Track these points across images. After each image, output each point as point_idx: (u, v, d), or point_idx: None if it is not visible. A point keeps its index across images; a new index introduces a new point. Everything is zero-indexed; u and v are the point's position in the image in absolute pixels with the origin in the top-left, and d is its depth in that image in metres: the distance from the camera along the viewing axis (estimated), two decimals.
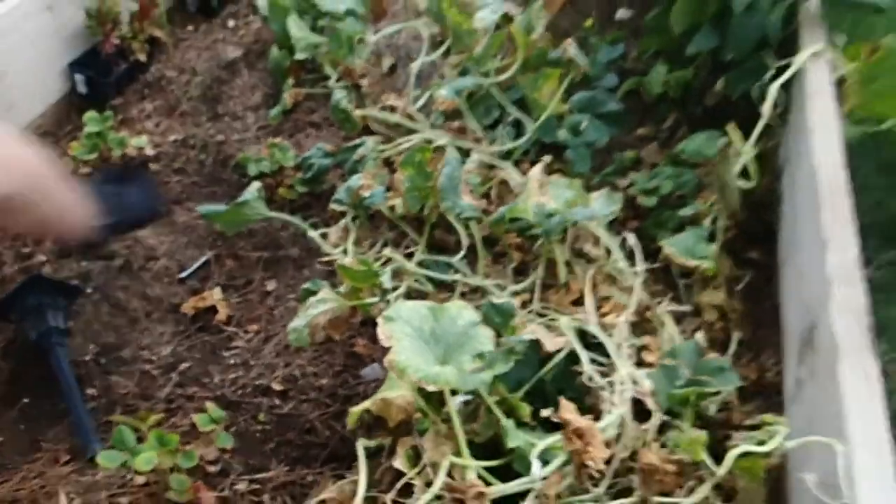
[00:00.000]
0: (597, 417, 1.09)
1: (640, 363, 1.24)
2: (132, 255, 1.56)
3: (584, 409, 1.10)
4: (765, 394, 1.31)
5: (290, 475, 1.24)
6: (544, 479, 1.00)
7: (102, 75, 1.99)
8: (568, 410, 1.02)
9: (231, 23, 2.37)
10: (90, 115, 1.77)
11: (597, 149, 1.78)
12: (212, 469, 1.25)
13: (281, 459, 1.28)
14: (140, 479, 1.20)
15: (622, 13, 2.32)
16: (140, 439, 1.19)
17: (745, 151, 1.41)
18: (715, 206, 1.47)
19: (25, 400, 1.37)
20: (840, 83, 1.55)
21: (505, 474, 1.07)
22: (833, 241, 1.14)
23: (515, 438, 1.08)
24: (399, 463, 1.05)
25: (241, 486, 1.22)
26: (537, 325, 1.24)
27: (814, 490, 0.89)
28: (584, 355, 1.19)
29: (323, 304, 1.31)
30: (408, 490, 1.02)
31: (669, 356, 1.19)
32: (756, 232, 1.56)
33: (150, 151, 1.84)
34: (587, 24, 2.16)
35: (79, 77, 1.97)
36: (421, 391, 1.09)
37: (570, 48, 1.73)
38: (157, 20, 2.10)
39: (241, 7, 2.43)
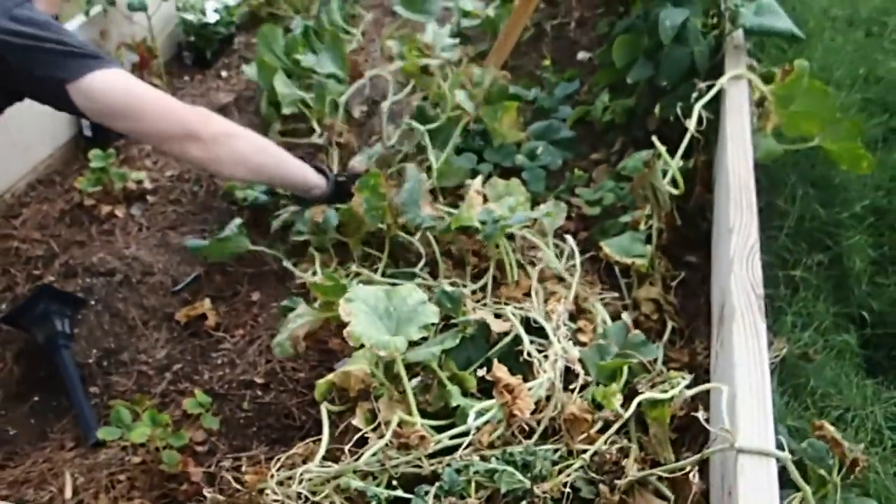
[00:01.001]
0: None
1: (576, 343, 1.39)
2: (131, 271, 1.74)
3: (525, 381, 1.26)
4: (696, 374, 1.46)
5: (269, 453, 1.39)
6: (478, 429, 1.15)
7: None
8: (500, 370, 1.17)
9: (224, 73, 2.59)
10: (95, 152, 1.97)
11: (552, 171, 1.97)
12: (200, 449, 1.40)
13: (262, 441, 1.43)
14: (136, 459, 1.35)
15: (582, 55, 2.55)
16: (136, 418, 1.35)
17: (671, 162, 1.58)
18: (650, 212, 1.65)
19: (35, 398, 1.53)
20: (760, 103, 1.75)
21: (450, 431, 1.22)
22: (737, 228, 1.32)
23: (458, 399, 1.23)
24: (357, 421, 1.20)
25: (226, 463, 1.37)
26: (486, 311, 1.41)
27: (702, 422, 1.04)
28: (525, 336, 1.34)
29: (300, 318, 1.47)
30: (363, 444, 1.17)
31: (601, 337, 1.35)
32: (694, 238, 1.73)
33: (148, 185, 2.03)
34: (545, 64, 2.37)
35: (84, 122, 2.17)
36: (377, 364, 1.26)
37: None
38: (156, 70, 2.32)
39: (234, 59, 2.67)
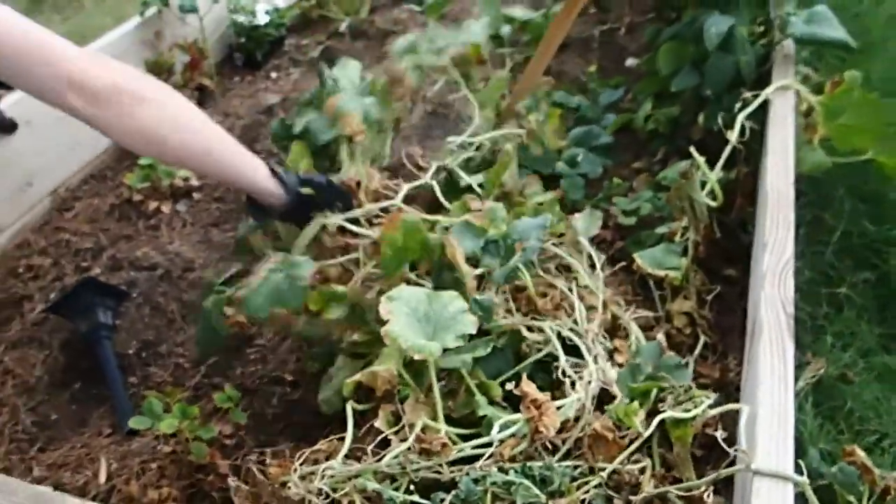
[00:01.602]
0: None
1: (612, 363, 1.38)
2: (172, 266, 1.79)
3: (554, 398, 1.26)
4: (726, 391, 1.43)
5: (294, 449, 1.40)
6: (501, 441, 1.15)
7: None
8: (528, 385, 1.17)
9: (273, 74, 2.65)
10: None
11: (593, 179, 1.96)
12: (228, 442, 1.43)
13: (288, 437, 1.45)
14: (167, 448, 1.39)
15: (630, 62, 2.52)
16: (167, 410, 1.39)
17: (709, 174, 1.55)
18: (687, 223, 1.62)
19: (76, 385, 1.59)
20: (808, 114, 1.71)
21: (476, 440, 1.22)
22: (771, 244, 1.29)
23: (485, 409, 1.23)
24: (379, 423, 1.21)
25: (252, 457, 1.39)
26: (519, 321, 1.40)
27: (720, 441, 1.02)
28: (561, 353, 1.33)
29: (342, 373, 1.43)
30: (387, 444, 1.18)
31: (635, 356, 1.33)
32: (733, 251, 1.70)
33: (194, 182, 2.09)
34: (591, 70, 2.35)
35: None
36: (405, 365, 1.26)
37: None
38: (206, 71, 2.38)
39: (284, 61, 2.72)
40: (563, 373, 1.32)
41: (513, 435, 1.17)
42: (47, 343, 1.67)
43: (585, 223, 1.64)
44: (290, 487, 1.15)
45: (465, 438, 1.22)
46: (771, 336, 1.12)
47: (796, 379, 1.45)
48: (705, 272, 1.64)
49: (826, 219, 1.80)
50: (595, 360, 1.28)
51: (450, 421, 1.25)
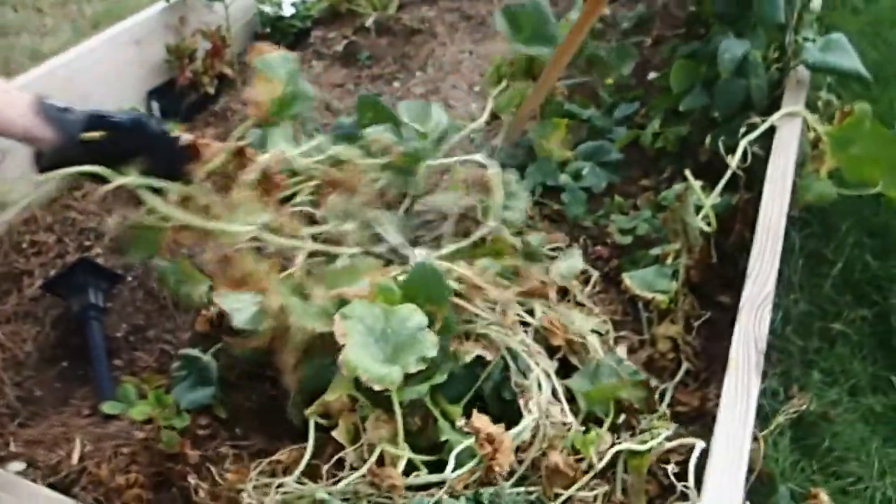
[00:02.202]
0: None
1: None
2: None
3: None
4: (703, 420, 1.41)
5: (267, 446, 1.42)
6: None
7: (175, 104, 2.30)
8: (479, 419, 1.16)
9: None
10: None
11: (596, 194, 1.94)
12: (202, 433, 1.44)
13: (262, 433, 1.46)
14: (140, 435, 1.42)
15: (653, 76, 2.49)
16: (143, 396, 1.41)
17: (703, 198, 1.53)
18: (680, 246, 1.60)
19: (64, 363, 1.62)
20: (816, 144, 1.67)
21: (437, 463, 1.21)
22: (754, 275, 1.26)
23: (447, 433, 1.22)
24: (338, 434, 1.20)
25: (223, 450, 1.41)
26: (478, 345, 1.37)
27: (671, 476, 1.01)
28: (511, 365, 1.31)
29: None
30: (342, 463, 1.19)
31: (592, 366, 1.31)
32: (729, 278, 1.67)
33: None
34: (608, 82, 2.33)
35: (154, 104, 2.28)
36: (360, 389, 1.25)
37: None
38: (228, 59, 2.40)
39: (308, 53, 2.73)
40: (514, 392, 1.30)
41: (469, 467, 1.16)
42: (41, 319, 1.71)
43: (568, 267, 1.61)
44: (243, 497, 1.16)
45: (426, 460, 1.22)
46: (738, 371, 1.10)
47: (776, 412, 1.43)
48: (698, 297, 1.62)
49: (828, 251, 1.76)
50: (547, 377, 1.26)
51: (410, 434, 1.24)
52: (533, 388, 1.24)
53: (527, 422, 1.20)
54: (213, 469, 1.22)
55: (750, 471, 1.30)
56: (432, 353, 1.20)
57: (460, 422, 1.20)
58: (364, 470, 1.15)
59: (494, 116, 2.16)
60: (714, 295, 1.65)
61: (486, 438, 1.13)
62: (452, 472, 1.14)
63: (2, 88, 1.17)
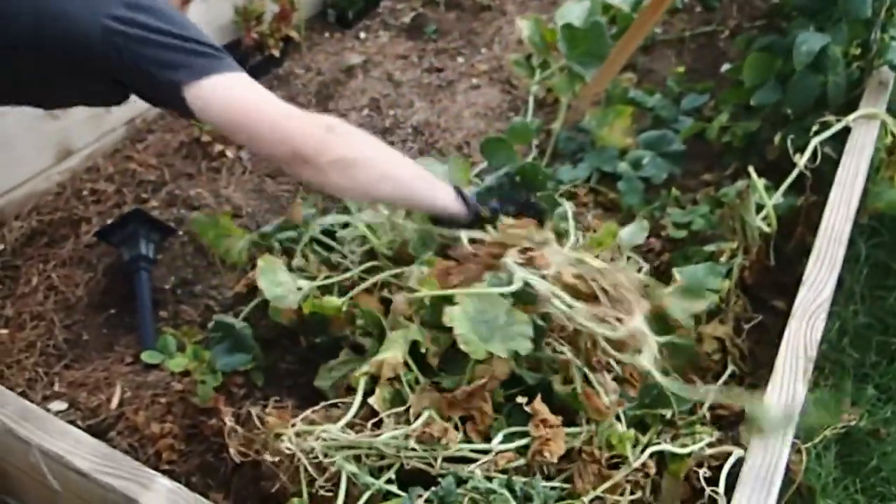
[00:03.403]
0: None
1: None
2: (221, 209, 1.83)
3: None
4: (743, 425, 1.36)
5: (300, 407, 1.42)
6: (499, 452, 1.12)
7: (240, 64, 2.30)
8: (539, 404, 1.14)
9: (362, 35, 2.65)
10: None
11: (655, 185, 1.88)
12: (236, 391, 1.46)
13: (295, 395, 1.47)
14: (178, 386, 1.44)
15: (726, 67, 2.40)
16: (182, 349, 1.43)
17: (766, 198, 1.46)
18: (737, 246, 1.54)
19: (112, 310, 1.65)
20: (893, 149, 1.58)
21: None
22: (810, 281, 1.21)
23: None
24: (375, 401, 1.20)
25: (256, 409, 1.42)
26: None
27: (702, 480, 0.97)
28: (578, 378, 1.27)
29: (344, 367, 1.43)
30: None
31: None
32: (785, 282, 1.60)
33: None
34: (679, 71, 2.25)
35: None
36: (411, 354, 1.25)
37: None
38: (294, 23, 2.41)
39: (375, 23, 2.72)
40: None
41: (514, 449, 1.14)
42: (94, 266, 1.75)
43: (631, 233, 1.58)
44: (283, 441, 1.16)
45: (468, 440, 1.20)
46: (783, 379, 1.06)
47: (823, 425, 1.37)
48: (751, 300, 1.56)
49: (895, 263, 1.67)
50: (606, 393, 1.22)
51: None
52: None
53: (583, 430, 1.17)
54: (252, 413, 1.22)
55: (789, 483, 1.26)
56: (524, 349, 1.20)
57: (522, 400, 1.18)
58: (417, 425, 1.13)
59: (556, 100, 2.12)
60: (768, 298, 1.58)
61: (541, 421, 1.11)
62: (499, 445, 1.12)
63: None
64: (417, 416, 1.16)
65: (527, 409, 1.15)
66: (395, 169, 1.39)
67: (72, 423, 1.39)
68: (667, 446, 1.07)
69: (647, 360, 1.18)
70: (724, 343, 1.46)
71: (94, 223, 1.86)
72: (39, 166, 1.94)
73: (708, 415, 1.34)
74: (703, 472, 0.99)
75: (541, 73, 2.14)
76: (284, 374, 1.52)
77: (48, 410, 1.43)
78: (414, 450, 1.13)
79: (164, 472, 1.21)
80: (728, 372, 1.43)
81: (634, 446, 1.11)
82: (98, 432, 1.39)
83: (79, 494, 1.08)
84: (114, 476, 0.99)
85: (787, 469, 1.19)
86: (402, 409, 1.21)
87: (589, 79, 1.98)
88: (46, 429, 1.07)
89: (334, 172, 1.29)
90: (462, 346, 1.15)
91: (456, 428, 1.15)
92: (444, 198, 1.46)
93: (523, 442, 1.15)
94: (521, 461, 1.14)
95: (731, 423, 1.37)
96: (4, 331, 1.60)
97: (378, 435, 1.14)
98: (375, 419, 1.20)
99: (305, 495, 1.11)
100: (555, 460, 1.09)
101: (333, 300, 1.40)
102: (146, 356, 1.42)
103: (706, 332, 1.48)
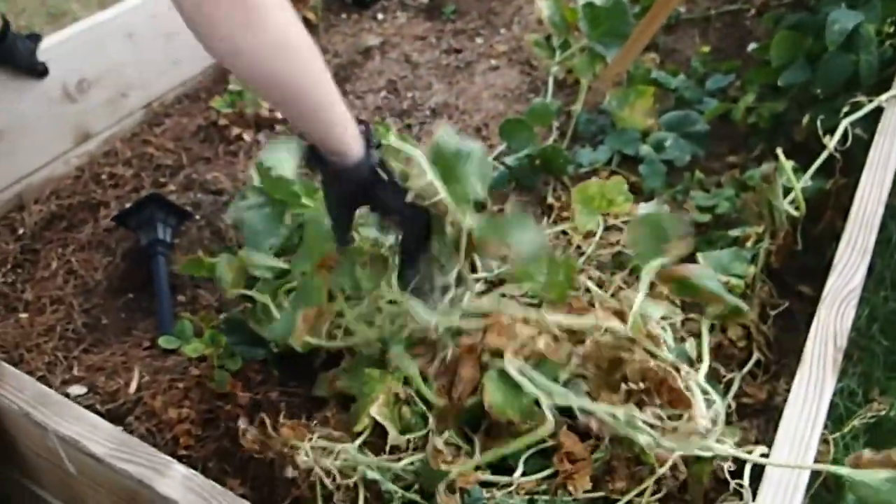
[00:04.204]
0: None
1: None
2: (237, 194, 1.82)
3: None
4: (767, 414, 1.33)
5: (314, 400, 1.41)
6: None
7: None
8: (567, 435, 1.10)
9: (380, 16, 2.62)
10: (234, 75, 2.07)
11: (679, 168, 1.84)
12: (254, 376, 1.45)
13: (312, 384, 1.46)
14: (195, 371, 1.43)
15: (753, 46, 2.34)
16: (199, 334, 1.42)
17: (794, 181, 1.42)
18: (764, 230, 1.50)
19: (130, 294, 1.65)
20: None
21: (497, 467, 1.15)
22: (840, 267, 1.17)
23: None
24: (375, 411, 1.17)
25: (274, 395, 1.41)
26: None
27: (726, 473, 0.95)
28: None
29: None
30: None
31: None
32: (813, 268, 1.56)
33: (279, 115, 2.11)
34: (703, 51, 2.20)
35: None
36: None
37: None
38: (312, 4, 2.38)
39: (393, 4, 2.69)
40: None
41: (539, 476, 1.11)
42: (113, 250, 1.74)
43: (651, 212, 1.55)
44: (298, 454, 1.13)
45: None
46: (812, 367, 1.02)
47: (852, 415, 1.34)
48: (778, 286, 1.52)
49: None
50: None
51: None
52: None
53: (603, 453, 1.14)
54: (266, 418, 1.20)
55: (816, 474, 1.23)
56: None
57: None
58: (432, 448, 1.10)
59: (577, 81, 2.08)
60: (795, 284, 1.54)
61: (566, 455, 1.08)
62: (521, 476, 1.09)
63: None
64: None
65: (551, 441, 1.11)
66: (307, 52, 1.02)
67: (91, 406, 1.40)
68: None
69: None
70: (749, 330, 1.43)
71: (112, 207, 1.86)
72: (58, 150, 1.94)
73: (733, 404, 1.31)
74: (728, 465, 0.96)
75: (561, 54, 2.10)
76: (302, 360, 1.50)
77: (68, 395, 1.44)
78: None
79: (180, 458, 1.21)
80: (753, 360, 1.40)
81: None
82: (117, 417, 1.39)
83: (95, 479, 1.08)
84: (129, 462, 0.98)
85: (815, 460, 1.16)
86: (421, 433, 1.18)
87: (610, 59, 1.94)
88: (63, 414, 1.07)
89: (233, 22, 0.93)
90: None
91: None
92: (352, 131, 1.11)
93: (546, 473, 1.11)
94: (544, 487, 1.11)
95: (755, 412, 1.35)
96: (24, 315, 1.60)
97: (398, 459, 1.12)
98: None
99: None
100: (580, 494, 1.06)
101: None
102: (163, 341, 1.41)
103: (731, 319, 1.45)
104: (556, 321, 1.07)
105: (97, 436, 1.02)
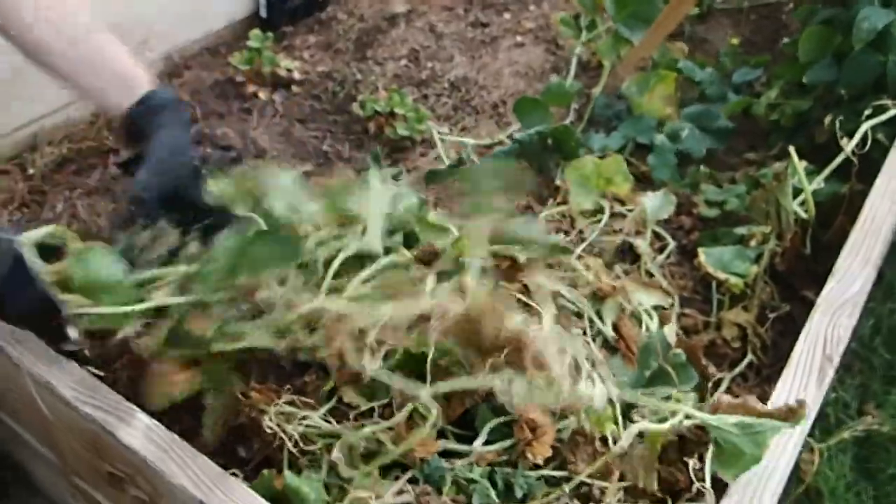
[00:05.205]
0: None
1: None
2: (246, 151, 1.81)
3: None
4: None
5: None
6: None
7: (282, 3, 2.28)
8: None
9: None
10: (255, 32, 2.05)
11: (694, 160, 1.79)
12: None
13: None
14: None
15: (785, 41, 2.27)
16: None
17: (805, 183, 1.38)
18: (770, 230, 1.46)
19: None
20: None
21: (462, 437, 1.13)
22: (840, 273, 1.13)
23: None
24: (348, 397, 1.16)
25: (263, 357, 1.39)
26: None
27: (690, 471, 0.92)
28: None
29: None
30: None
31: (643, 348, 1.21)
32: (819, 273, 1.52)
33: (297, 75, 2.09)
34: (732, 42, 2.14)
35: (262, 2, 2.26)
36: None
37: None
38: None
39: None
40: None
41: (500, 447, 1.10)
42: (118, 197, 1.75)
43: (657, 204, 1.51)
44: (266, 418, 1.13)
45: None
46: (795, 373, 0.99)
47: (842, 426, 1.31)
48: (781, 289, 1.48)
49: None
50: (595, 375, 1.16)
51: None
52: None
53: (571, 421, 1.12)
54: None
55: (798, 481, 1.20)
56: None
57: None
58: (396, 420, 1.10)
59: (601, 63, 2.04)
60: (800, 288, 1.50)
61: (527, 423, 1.06)
62: (483, 445, 1.08)
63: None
64: (401, 407, 1.12)
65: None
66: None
67: (80, 350, 1.42)
68: (644, 424, 1.01)
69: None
70: (746, 331, 1.40)
71: (122, 155, 1.86)
72: (74, 95, 1.94)
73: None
74: (694, 462, 0.94)
75: (587, 35, 2.05)
76: None
77: (67, 336, 1.45)
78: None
79: (160, 412, 1.21)
80: (746, 361, 1.37)
81: (616, 425, 1.05)
82: (106, 362, 1.40)
83: (67, 423, 1.08)
84: (95, 408, 0.98)
85: (797, 468, 1.14)
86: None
87: (635, 43, 1.89)
88: (38, 354, 1.07)
89: None
90: None
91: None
92: (120, 83, 1.06)
93: (508, 443, 1.09)
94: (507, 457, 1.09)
95: None
96: None
97: (361, 426, 1.11)
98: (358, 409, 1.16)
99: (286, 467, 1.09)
100: (540, 461, 1.05)
101: None
102: None
103: (727, 318, 1.41)
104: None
105: (68, 379, 1.02)
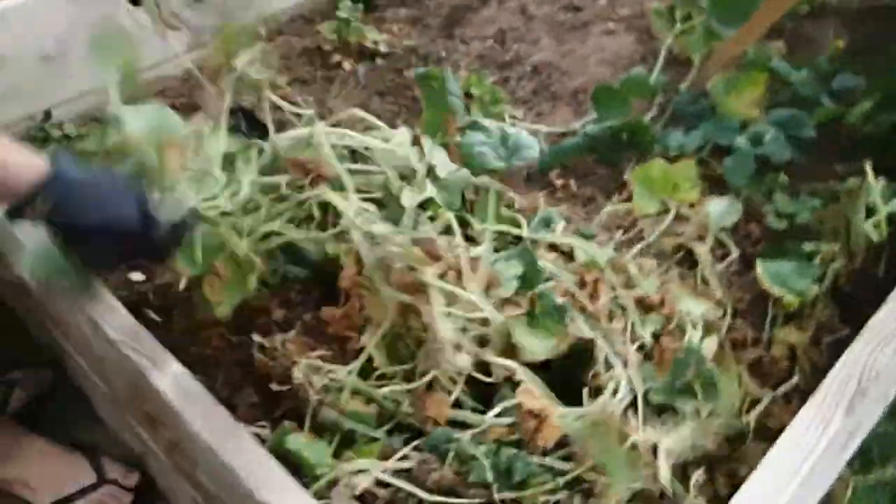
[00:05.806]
0: None
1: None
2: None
3: None
4: None
5: None
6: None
7: None
8: (525, 393, 1.09)
9: None
10: (344, 2, 2.10)
11: (773, 167, 1.71)
12: (294, 296, 1.48)
13: None
14: None
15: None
16: None
17: (880, 203, 1.30)
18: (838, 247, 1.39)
19: None
20: None
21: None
22: (892, 303, 1.07)
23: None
24: (366, 339, 1.20)
25: (307, 317, 1.44)
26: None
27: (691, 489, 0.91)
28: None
29: None
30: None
31: (676, 360, 1.19)
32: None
33: (382, 48, 2.12)
34: (837, 43, 2.02)
35: None
36: None
37: None
38: None
39: None
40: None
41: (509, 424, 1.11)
42: None
43: (722, 210, 1.46)
44: (297, 369, 1.19)
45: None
46: (824, 399, 0.95)
47: (885, 461, 1.25)
48: (844, 311, 1.41)
49: None
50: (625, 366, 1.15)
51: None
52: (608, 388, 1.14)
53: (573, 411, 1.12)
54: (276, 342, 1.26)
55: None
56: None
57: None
58: (416, 385, 1.14)
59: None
60: (864, 311, 1.43)
61: (528, 413, 1.07)
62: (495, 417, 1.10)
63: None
64: (423, 375, 1.16)
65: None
66: None
67: (144, 293, 1.51)
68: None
69: None
70: (795, 351, 1.34)
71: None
72: (171, 52, 2.04)
73: (753, 423, 1.24)
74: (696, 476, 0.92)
75: (680, 26, 1.98)
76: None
77: (129, 279, 1.56)
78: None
79: (207, 358, 1.29)
80: (792, 382, 1.31)
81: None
82: (163, 308, 1.48)
83: (115, 363, 1.16)
84: (135, 350, 1.05)
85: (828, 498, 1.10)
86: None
87: (727, 38, 1.82)
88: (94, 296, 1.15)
89: None
90: None
91: None
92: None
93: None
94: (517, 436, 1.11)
95: (773, 436, 1.26)
96: None
97: (381, 386, 1.16)
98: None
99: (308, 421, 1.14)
100: (550, 445, 1.05)
101: None
102: None
103: (778, 336, 1.36)
104: None
105: (115, 322, 1.10)
